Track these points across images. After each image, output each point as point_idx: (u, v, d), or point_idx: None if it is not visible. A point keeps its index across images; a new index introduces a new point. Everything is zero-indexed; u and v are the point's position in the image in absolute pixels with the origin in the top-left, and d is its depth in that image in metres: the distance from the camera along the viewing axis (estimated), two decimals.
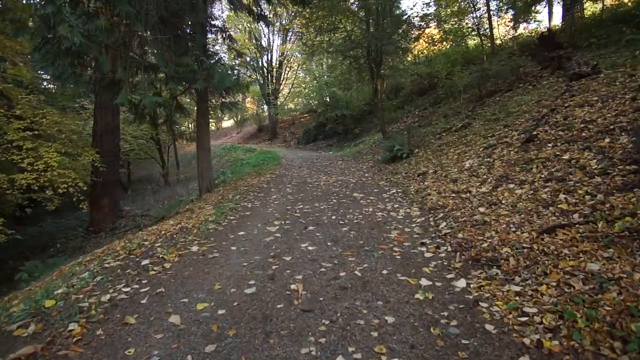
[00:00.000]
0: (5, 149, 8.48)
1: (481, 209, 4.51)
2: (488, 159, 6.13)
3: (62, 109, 17.23)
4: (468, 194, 5.18)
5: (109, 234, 12.84)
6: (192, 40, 8.44)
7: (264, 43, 25.26)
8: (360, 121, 18.61)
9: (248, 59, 25.97)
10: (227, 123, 37.20)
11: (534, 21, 15.50)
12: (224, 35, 10.14)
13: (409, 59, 17.34)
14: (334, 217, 5.35)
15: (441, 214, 4.84)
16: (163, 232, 5.43)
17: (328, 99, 19.88)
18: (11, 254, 13.33)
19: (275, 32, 25.31)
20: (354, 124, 18.38)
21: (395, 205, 5.77)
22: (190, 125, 34.07)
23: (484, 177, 5.52)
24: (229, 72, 8.15)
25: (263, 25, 25.26)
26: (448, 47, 17.04)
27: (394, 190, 6.78)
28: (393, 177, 7.98)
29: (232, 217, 5.78)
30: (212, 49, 10.22)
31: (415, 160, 8.72)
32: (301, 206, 6.16)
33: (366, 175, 8.83)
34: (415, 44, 16.76)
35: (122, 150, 17.70)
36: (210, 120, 38.20)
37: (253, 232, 4.94)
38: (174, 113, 10.53)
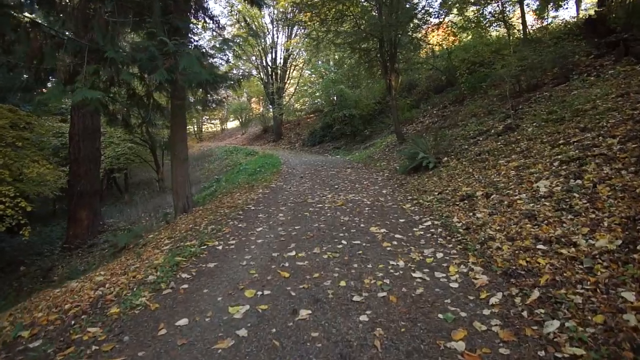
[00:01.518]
0: None
1: (629, 297, 2.23)
2: (578, 181, 3.82)
3: (48, 112, 15.24)
4: (573, 249, 2.89)
5: (86, 252, 10.80)
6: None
7: (268, 40, 23.03)
8: (370, 122, 16.30)
9: (254, 58, 23.89)
10: (232, 124, 35.09)
11: (560, 8, 13.06)
12: (204, 15, 7.94)
13: (424, 52, 14.94)
14: (343, 285, 3.09)
15: (535, 292, 2.57)
16: (71, 304, 3.25)
17: (335, 98, 17.61)
18: None
19: (280, 28, 23.04)
20: (364, 125, 16.07)
21: (440, 256, 3.51)
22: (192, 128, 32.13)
23: (591, 215, 3.21)
24: (201, 59, 5.95)
25: (268, 22, 23.14)
26: (469, 38, 14.64)
27: (429, 222, 4.51)
28: (420, 196, 5.70)
29: (184, 276, 3.56)
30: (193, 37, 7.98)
31: (446, 172, 6.43)
32: (293, 253, 3.91)
33: (383, 192, 6.55)
34: (433, 34, 14.39)
35: (114, 155, 15.69)
36: (215, 121, 36.30)
37: (202, 322, 2.71)
38: (151, 114, 8.41)
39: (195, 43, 7.88)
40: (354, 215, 5.17)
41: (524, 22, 11.51)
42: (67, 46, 5.10)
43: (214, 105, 7.74)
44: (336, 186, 7.43)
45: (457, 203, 4.85)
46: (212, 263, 3.84)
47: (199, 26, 11.25)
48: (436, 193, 5.58)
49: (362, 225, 4.69)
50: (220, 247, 4.31)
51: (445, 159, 7.21)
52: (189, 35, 7.26)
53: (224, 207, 6.56)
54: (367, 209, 5.45)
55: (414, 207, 5.31)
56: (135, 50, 5.57)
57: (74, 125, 11.35)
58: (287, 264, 3.63)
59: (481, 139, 7.25)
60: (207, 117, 33.15)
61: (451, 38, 14.18)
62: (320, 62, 22.69)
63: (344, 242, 4.13)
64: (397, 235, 4.20)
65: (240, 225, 5.19)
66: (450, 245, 3.75)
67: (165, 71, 5.30)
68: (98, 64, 5.40)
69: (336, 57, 20.18)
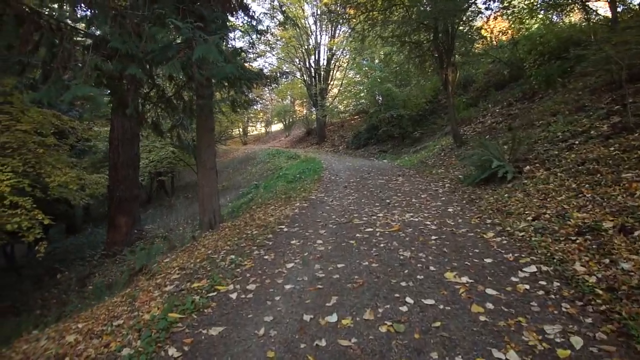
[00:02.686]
0: None
1: None
2: None
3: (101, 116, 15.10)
4: None
5: (123, 260, 10.17)
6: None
7: (312, 41, 21.88)
8: (421, 123, 14.53)
9: (297, 60, 22.90)
10: (277, 126, 34.43)
11: None
12: (245, 14, 6.76)
13: (483, 44, 12.92)
14: None
15: None
16: None
17: (380, 98, 16.02)
18: (28, 274, 11.20)
19: (324, 29, 21.81)
20: (413, 126, 14.33)
21: (576, 343, 1.99)
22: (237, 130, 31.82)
23: None
24: (221, 48, 4.75)
25: (311, 23, 21.97)
26: (535, 27, 12.47)
27: (533, 268, 2.94)
28: (506, 221, 4.09)
29: (171, 353, 2.32)
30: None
31: (534, 186, 4.74)
32: (334, 318, 2.52)
33: (449, 210, 4.98)
34: (494, 22, 12.40)
35: (157, 158, 15.28)
36: (258, 123, 35.89)
37: None
38: (183, 117, 7.46)
39: (231, 43, 6.78)
40: (417, 248, 3.69)
41: (613, 2, 9.26)
42: (66, 36, 4.11)
43: (246, 106, 6.58)
44: (387, 200, 5.95)
45: (573, 238, 3.22)
46: (216, 327, 2.57)
47: (239, 28, 10.25)
48: (529, 218, 3.95)
49: (431, 267, 3.21)
50: (234, 296, 3.03)
51: (528, 168, 5.50)
52: (227, 33, 6.14)
53: (253, 225, 5.34)
54: (433, 237, 3.94)
55: (500, 237, 3.72)
56: (147, 40, 4.48)
57: (114, 130, 10.78)
58: (323, 342, 2.27)
59: (577, 142, 5.43)
60: (252, 120, 32.77)
61: (516, 26, 12.06)
62: (364, 61, 21.14)
63: (409, 299, 2.69)
64: (489, 291, 2.69)
65: (266, 257, 3.90)
66: (589, 320, 2.20)
67: (179, 63, 4.15)
68: (104, 56, 4.38)
69: (382, 55, 18.55)
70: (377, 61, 20.29)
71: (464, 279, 2.91)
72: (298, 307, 2.76)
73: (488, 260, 3.23)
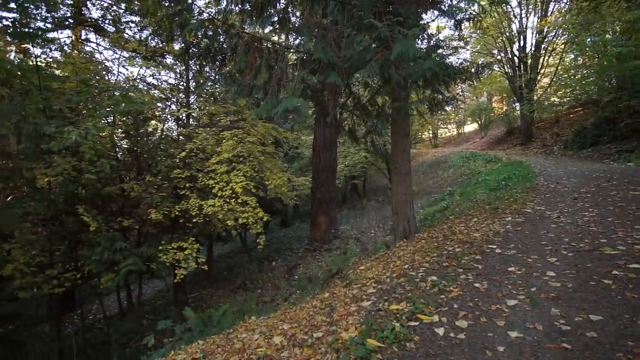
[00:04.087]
0: (206, 172, 7.52)
1: None
2: None
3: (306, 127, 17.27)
4: None
5: (322, 255, 11.13)
6: None
7: (515, 26, 18.81)
8: None
9: (495, 51, 20.23)
10: (470, 127, 31.47)
11: None
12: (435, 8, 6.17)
13: None
14: None
15: None
16: None
17: (614, 82, 12.07)
18: (254, 257, 13.65)
19: (530, 9, 18.39)
20: None
21: None
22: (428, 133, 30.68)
23: None
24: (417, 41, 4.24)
25: (514, 6, 18.86)
26: None
27: None
28: None
29: None
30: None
31: None
32: None
33: None
34: None
35: (352, 163, 16.21)
36: (450, 125, 33.65)
37: None
38: (377, 122, 7.48)
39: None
40: None
41: None
42: (280, 57, 4.52)
43: (444, 105, 5.89)
44: None
45: None
46: None
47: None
48: None
49: None
50: (440, 332, 2.48)
51: None
52: (424, 29, 5.71)
53: (454, 240, 4.62)
54: None
55: None
56: (346, 47, 4.47)
57: (316, 138, 11.95)
58: None
59: None
60: (443, 122, 31.02)
61: None
62: (589, 40, 16.54)
63: None
64: None
65: (477, 284, 3.16)
66: None
67: (377, 65, 3.91)
68: (309, 71, 4.61)
69: (620, 25, 14.05)
70: (608, 36, 15.55)
71: None
72: None
73: None
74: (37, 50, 12.31)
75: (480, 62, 19.90)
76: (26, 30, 7.87)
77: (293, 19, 6.20)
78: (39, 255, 6.64)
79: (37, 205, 6.58)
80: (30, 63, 7.94)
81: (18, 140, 5.18)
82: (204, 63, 5.33)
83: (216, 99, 9.75)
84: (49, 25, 10.84)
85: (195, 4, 5.25)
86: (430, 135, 31.74)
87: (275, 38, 7.87)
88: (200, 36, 5.29)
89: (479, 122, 26.94)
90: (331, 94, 6.84)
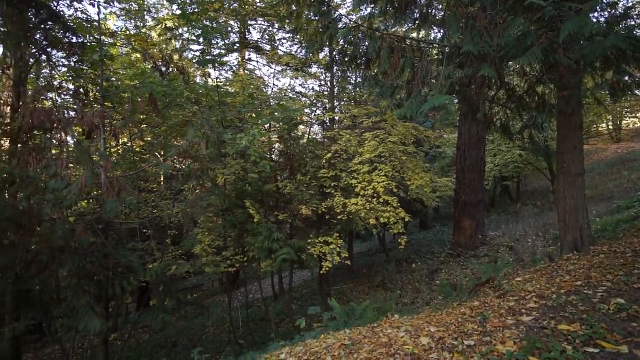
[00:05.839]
0: (349, 172, 7.96)
1: None
2: None
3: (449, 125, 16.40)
4: None
5: (466, 262, 10.41)
6: None
7: None
8: None
9: None
10: None
11: None
12: None
13: None
14: None
15: None
16: None
17: None
18: (392, 257, 13.65)
19: None
20: None
21: None
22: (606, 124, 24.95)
23: None
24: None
25: None
26: None
27: None
28: None
29: None
30: None
31: None
32: None
33: None
34: None
35: (503, 162, 14.58)
36: (638, 112, 26.56)
37: None
38: (537, 115, 6.67)
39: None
40: None
41: None
42: (424, 54, 4.43)
43: (632, 89, 4.77)
44: None
45: None
46: None
47: None
48: None
49: None
50: None
51: None
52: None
53: None
54: None
55: None
56: (498, 35, 4.06)
57: (461, 136, 11.21)
58: None
59: None
60: (629, 109, 24.76)
61: None
62: None
63: None
64: None
65: None
66: None
67: (539, 50, 3.44)
68: (456, 65, 4.39)
69: None
70: None
71: None
72: None
73: None
74: (215, 73, 15.13)
75: None
76: (208, 57, 9.82)
77: (434, 12, 6.00)
78: (216, 239, 8.25)
79: (216, 199, 8.15)
80: (210, 83, 9.90)
81: (206, 146, 6.50)
82: (350, 68, 5.64)
83: (357, 102, 10.20)
84: (223, 51, 13.23)
85: (340, 14, 5.64)
86: (610, 126, 25.77)
87: (414, 35, 7.72)
88: (343, 43, 5.65)
89: None
90: (479, 88, 6.34)
